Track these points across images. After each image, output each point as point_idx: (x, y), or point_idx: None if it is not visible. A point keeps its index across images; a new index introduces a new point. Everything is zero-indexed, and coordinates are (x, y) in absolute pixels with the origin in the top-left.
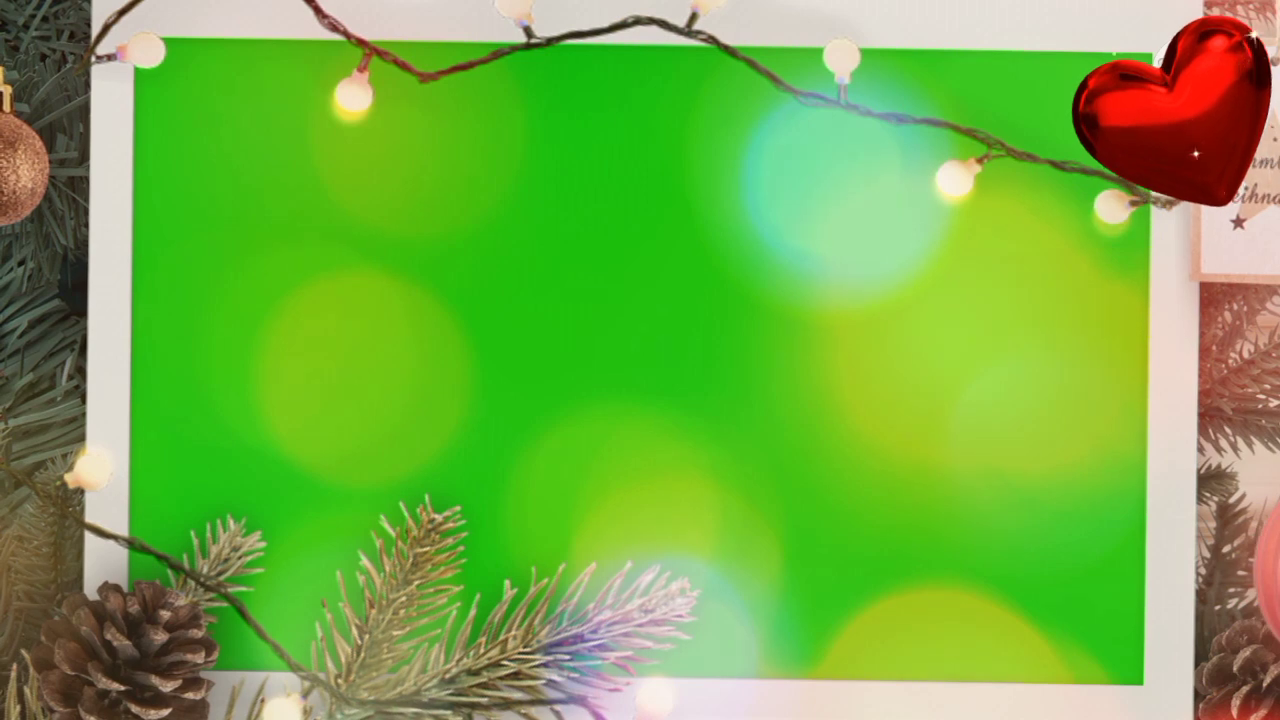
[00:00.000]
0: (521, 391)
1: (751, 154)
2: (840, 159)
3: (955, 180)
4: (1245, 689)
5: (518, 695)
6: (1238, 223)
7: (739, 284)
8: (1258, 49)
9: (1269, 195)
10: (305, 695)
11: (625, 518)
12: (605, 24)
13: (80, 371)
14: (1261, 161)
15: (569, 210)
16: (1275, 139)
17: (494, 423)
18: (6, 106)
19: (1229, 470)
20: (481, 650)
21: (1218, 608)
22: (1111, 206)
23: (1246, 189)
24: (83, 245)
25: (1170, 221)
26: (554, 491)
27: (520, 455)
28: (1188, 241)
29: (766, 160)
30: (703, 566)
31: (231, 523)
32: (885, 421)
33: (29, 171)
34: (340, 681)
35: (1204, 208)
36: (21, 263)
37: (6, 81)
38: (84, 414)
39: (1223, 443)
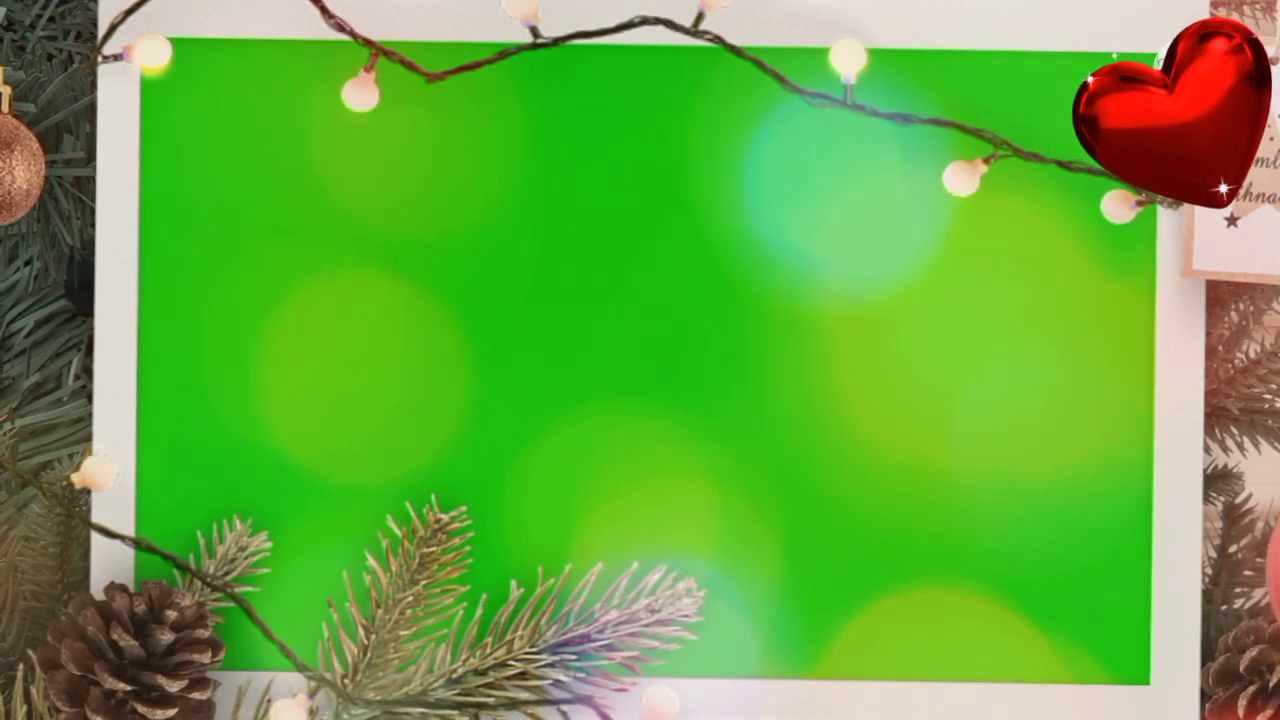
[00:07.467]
0: (524, 391)
1: (755, 154)
2: (843, 159)
3: (961, 180)
4: (1252, 689)
5: (524, 695)
6: (1231, 220)
7: (742, 284)
8: (1258, 51)
9: (1263, 194)
10: (311, 695)
11: (625, 518)
12: (611, 24)
13: (86, 371)
14: (1257, 160)
15: (572, 210)
16: (1271, 138)
17: (496, 423)
18: (5, 107)
19: (1235, 470)
20: (488, 650)
21: (1224, 608)
22: (1117, 207)
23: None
24: (89, 245)
25: (1175, 221)
26: (556, 491)
27: (522, 455)
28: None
29: (770, 160)
30: (703, 566)
31: (238, 523)
32: (887, 421)
33: (24, 173)
34: (346, 681)
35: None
36: (28, 263)
37: (7, 81)
38: (90, 414)
39: (1229, 443)
